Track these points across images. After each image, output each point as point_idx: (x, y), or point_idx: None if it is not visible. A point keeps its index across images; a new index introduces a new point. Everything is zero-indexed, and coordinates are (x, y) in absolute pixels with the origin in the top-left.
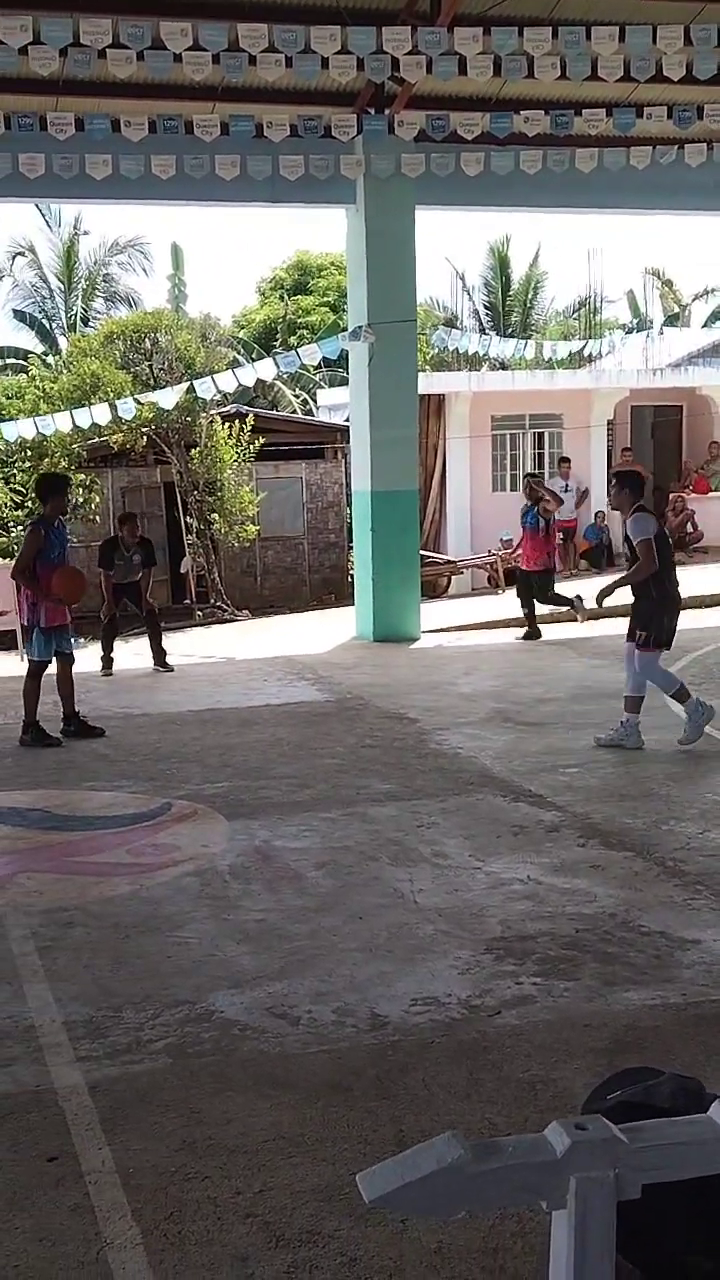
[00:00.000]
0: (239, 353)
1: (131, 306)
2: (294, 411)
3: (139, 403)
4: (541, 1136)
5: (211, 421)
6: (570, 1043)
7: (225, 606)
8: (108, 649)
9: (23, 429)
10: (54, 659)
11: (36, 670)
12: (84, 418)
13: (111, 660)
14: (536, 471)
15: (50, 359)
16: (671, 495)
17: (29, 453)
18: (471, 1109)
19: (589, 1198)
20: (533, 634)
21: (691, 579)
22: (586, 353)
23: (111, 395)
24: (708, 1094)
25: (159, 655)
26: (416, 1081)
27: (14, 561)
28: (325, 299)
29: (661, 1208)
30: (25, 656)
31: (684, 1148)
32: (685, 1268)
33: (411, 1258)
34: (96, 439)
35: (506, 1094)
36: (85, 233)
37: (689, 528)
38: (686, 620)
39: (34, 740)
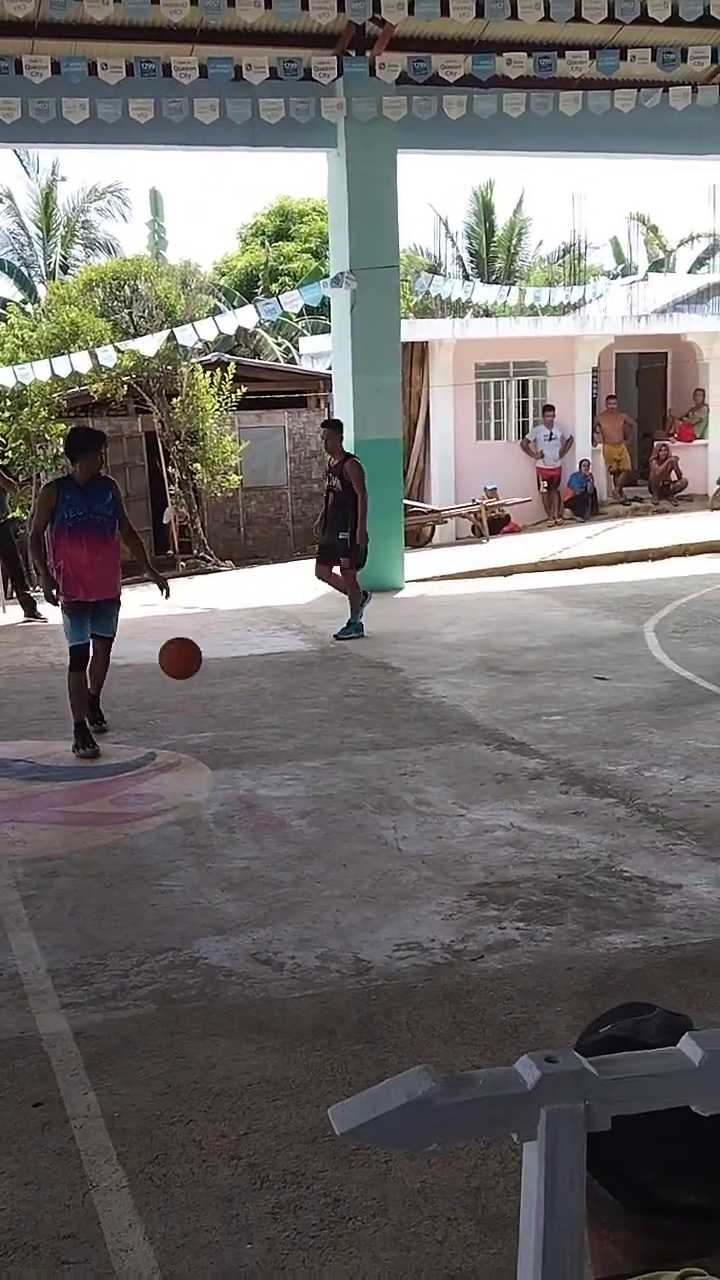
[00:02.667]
0: (220, 300)
1: (111, 253)
2: (276, 360)
3: (119, 351)
4: (512, 1069)
5: (193, 370)
6: (552, 986)
7: (208, 557)
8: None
9: (2, 378)
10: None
11: (74, 660)
12: (63, 366)
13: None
14: None
15: (29, 307)
16: (656, 443)
17: (8, 402)
18: (454, 1051)
19: (558, 1129)
20: None
21: (675, 527)
22: (571, 299)
23: (91, 343)
24: (695, 1030)
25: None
26: (400, 1025)
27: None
28: (307, 245)
29: (641, 1140)
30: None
31: (653, 1080)
32: (664, 1200)
33: (395, 1197)
34: (76, 388)
35: (489, 1036)
36: (63, 179)
37: (673, 476)
38: (670, 569)
39: (81, 745)
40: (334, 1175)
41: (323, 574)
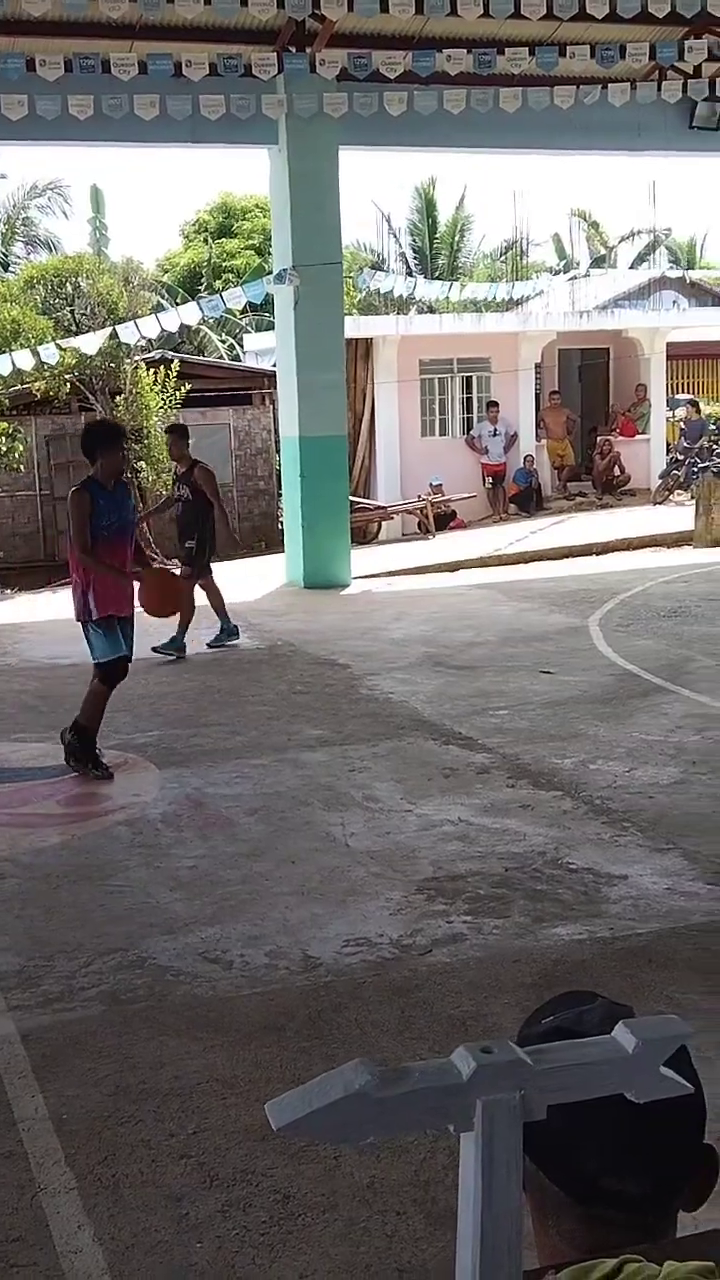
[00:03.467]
0: (163, 297)
1: (52, 251)
2: (220, 357)
3: (61, 349)
4: (448, 1061)
5: (136, 367)
6: (500, 978)
7: (154, 556)
8: None
9: None
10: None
11: (113, 675)
12: (5, 364)
13: None
14: None
15: None
16: (599, 438)
17: None
18: (403, 1046)
19: (495, 1119)
20: None
21: (619, 522)
22: (513, 295)
23: (33, 341)
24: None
25: None
26: (349, 1021)
27: (74, 542)
28: (250, 242)
29: (583, 1131)
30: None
31: (587, 1069)
32: (606, 1190)
33: (344, 1193)
34: (19, 386)
35: (437, 1030)
36: (3, 176)
37: (616, 470)
38: (614, 563)
39: (82, 761)
40: (283, 1172)
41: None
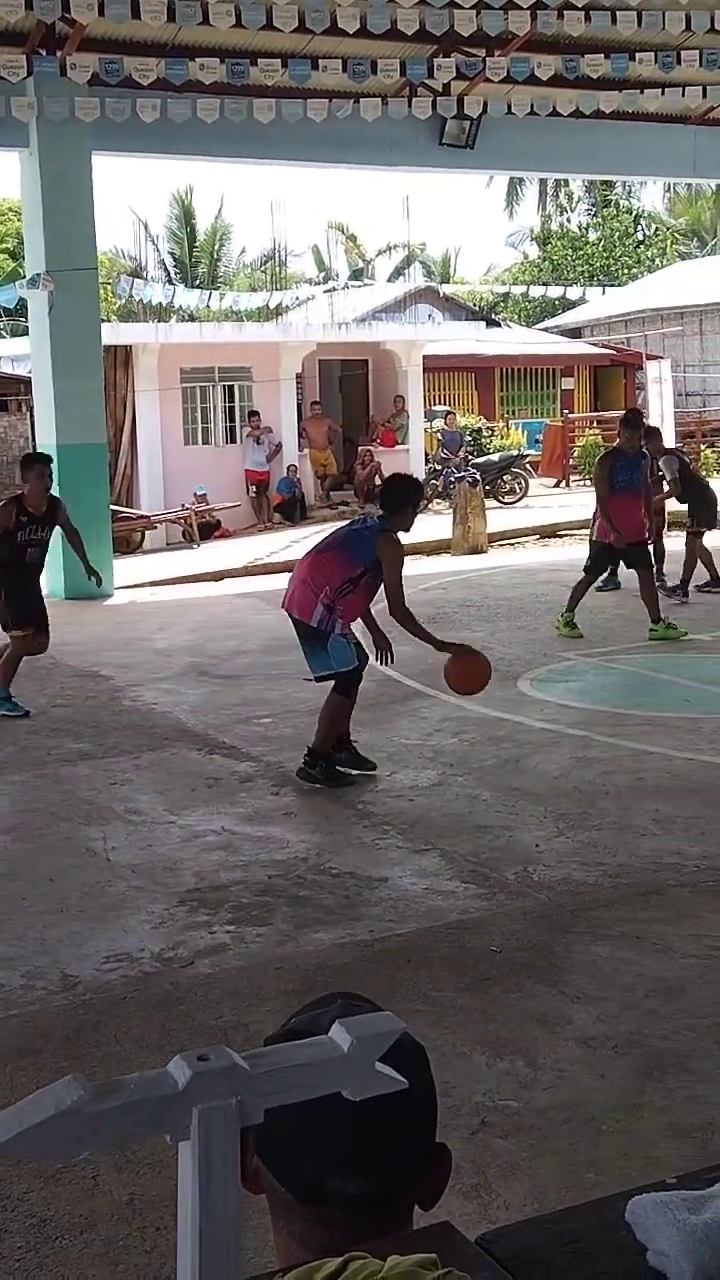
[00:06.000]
0: None
1: None
2: None
3: None
4: (164, 1071)
5: None
6: (262, 986)
7: None
8: None
9: None
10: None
11: (352, 682)
12: None
13: None
14: None
15: None
16: (360, 448)
17: None
18: (162, 1060)
19: (211, 1127)
20: None
21: None
22: (273, 305)
23: None
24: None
25: None
26: (108, 1038)
27: (393, 591)
28: (4, 245)
29: (305, 1132)
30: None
31: (304, 1069)
32: (330, 1190)
33: (103, 1211)
34: None
35: (198, 1042)
36: None
37: (377, 480)
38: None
39: (325, 777)
40: (40, 1195)
41: None
